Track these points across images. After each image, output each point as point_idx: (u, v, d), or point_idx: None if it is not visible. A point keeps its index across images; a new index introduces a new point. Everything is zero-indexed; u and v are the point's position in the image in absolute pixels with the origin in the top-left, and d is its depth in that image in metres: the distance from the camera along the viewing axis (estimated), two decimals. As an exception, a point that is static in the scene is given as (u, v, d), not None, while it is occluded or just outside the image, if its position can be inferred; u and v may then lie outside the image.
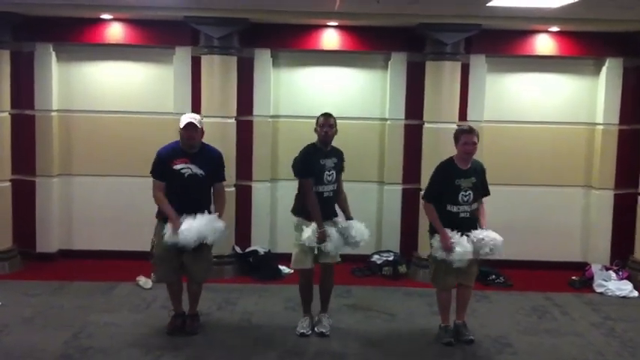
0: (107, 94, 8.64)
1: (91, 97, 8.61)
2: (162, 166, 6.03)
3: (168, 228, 5.91)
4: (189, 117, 6.05)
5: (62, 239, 8.71)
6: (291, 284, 7.66)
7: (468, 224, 6.04)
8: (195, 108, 8.34)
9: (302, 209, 6.23)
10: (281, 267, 8.23)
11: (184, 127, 5.95)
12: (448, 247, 5.91)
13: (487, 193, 6.27)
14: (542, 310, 7.23)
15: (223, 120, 8.09)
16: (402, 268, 8.37)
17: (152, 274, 7.31)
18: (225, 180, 6.32)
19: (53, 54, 8.41)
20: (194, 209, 5.97)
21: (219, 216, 6.12)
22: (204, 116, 8.05)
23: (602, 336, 6.51)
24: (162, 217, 6.06)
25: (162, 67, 8.57)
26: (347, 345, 6.11)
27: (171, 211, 5.92)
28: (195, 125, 5.96)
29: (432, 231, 6.17)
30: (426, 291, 7.45)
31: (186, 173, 5.98)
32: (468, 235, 5.98)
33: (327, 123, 6.21)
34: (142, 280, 7.59)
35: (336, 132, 6.29)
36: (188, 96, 8.43)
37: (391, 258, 8.48)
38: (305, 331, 6.25)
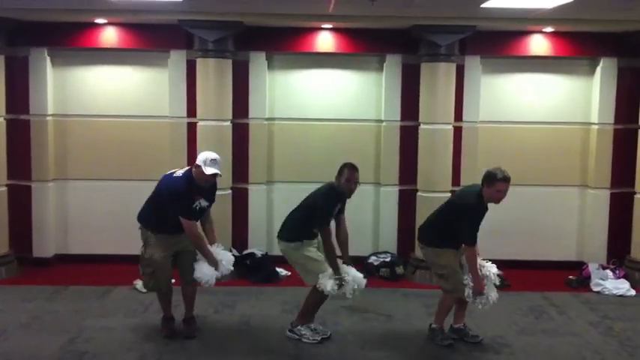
0: (102, 98, 8.63)
1: (86, 101, 8.60)
2: (190, 206, 5.95)
3: (202, 263, 6.01)
4: (215, 163, 5.88)
5: (58, 244, 8.70)
6: (288, 287, 7.68)
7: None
8: (191, 111, 8.34)
9: (301, 234, 6.19)
10: (278, 269, 8.22)
11: (211, 175, 5.85)
12: (481, 292, 5.97)
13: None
14: (540, 310, 7.23)
15: (219, 123, 8.09)
16: (400, 270, 8.37)
17: (141, 283, 7.33)
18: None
19: (48, 59, 8.40)
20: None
21: (213, 236, 6.29)
22: (200, 119, 8.08)
23: (599, 335, 6.51)
24: (148, 226, 6.10)
25: (157, 71, 8.57)
26: (344, 347, 6.10)
27: (210, 250, 6.05)
28: (219, 175, 5.93)
29: (436, 245, 6.13)
30: (423, 292, 7.46)
31: (197, 207, 6.00)
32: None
33: (354, 179, 6.09)
34: (140, 284, 7.56)
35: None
36: (183, 99, 8.44)
37: (388, 259, 8.48)
38: (325, 335, 6.26)
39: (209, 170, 5.81)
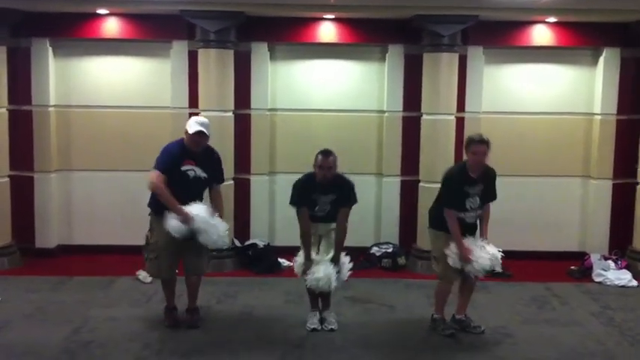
0: (104, 89, 8.63)
1: (88, 92, 8.60)
2: (172, 163, 5.96)
3: (171, 218, 5.86)
4: (199, 124, 5.96)
5: (61, 234, 8.71)
6: (290, 277, 7.65)
7: (472, 228, 6.11)
8: (193, 102, 8.34)
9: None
10: (280, 260, 8.24)
11: (194, 133, 5.90)
12: (468, 260, 5.93)
13: (494, 198, 6.22)
14: (542, 301, 7.25)
15: (221, 114, 8.08)
16: (402, 260, 8.39)
17: (144, 273, 7.35)
18: (224, 181, 6.34)
19: (50, 49, 8.39)
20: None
21: (221, 216, 6.15)
22: (202, 110, 8.08)
23: (601, 325, 6.53)
24: (157, 211, 6.05)
25: (159, 62, 8.57)
26: (347, 337, 6.12)
27: (175, 201, 5.86)
28: (205, 134, 5.95)
29: (435, 226, 6.18)
30: (425, 282, 7.47)
31: (191, 175, 5.99)
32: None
33: (325, 164, 5.99)
34: (142, 275, 7.59)
35: (335, 170, 6.09)
36: (185, 90, 8.43)
37: (390, 250, 8.49)
38: (316, 327, 6.23)
39: (193, 128, 5.89)
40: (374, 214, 8.82)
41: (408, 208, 8.59)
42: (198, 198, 6.11)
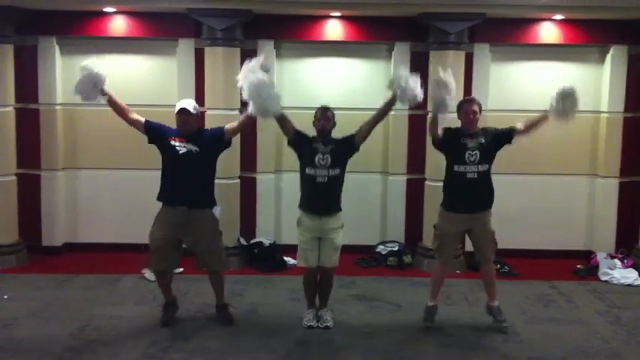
0: (111, 87, 8.55)
1: (95, 90, 8.61)
2: (159, 127, 6.15)
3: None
4: (183, 102, 6.08)
5: (68, 232, 8.74)
6: (296, 275, 7.66)
7: (475, 186, 6.08)
8: (199, 100, 8.32)
9: (301, 201, 6.25)
10: (286, 258, 8.24)
11: (177, 112, 6.00)
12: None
13: (515, 131, 6.27)
14: (548, 299, 7.23)
15: (227, 112, 8.08)
16: (407, 259, 8.38)
17: (150, 271, 7.37)
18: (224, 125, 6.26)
19: (57, 47, 8.42)
20: (190, 190, 6.00)
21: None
22: (209, 108, 8.09)
23: (607, 324, 6.51)
24: (163, 199, 6.11)
25: (165, 60, 8.58)
26: (352, 335, 6.13)
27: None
28: (188, 110, 5.97)
29: (442, 203, 6.31)
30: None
31: (181, 150, 5.99)
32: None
33: (323, 116, 6.15)
34: (148, 273, 7.61)
35: (334, 125, 6.21)
36: (192, 88, 8.44)
37: (396, 248, 8.49)
38: (312, 324, 6.27)
39: (176, 109, 5.98)
40: (380, 213, 8.81)
41: (414, 207, 8.59)
42: (201, 181, 6.09)
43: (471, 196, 6.09)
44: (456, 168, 6.10)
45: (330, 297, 6.45)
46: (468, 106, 6.15)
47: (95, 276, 7.72)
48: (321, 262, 6.16)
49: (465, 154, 6.05)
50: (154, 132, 6.15)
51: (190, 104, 6.09)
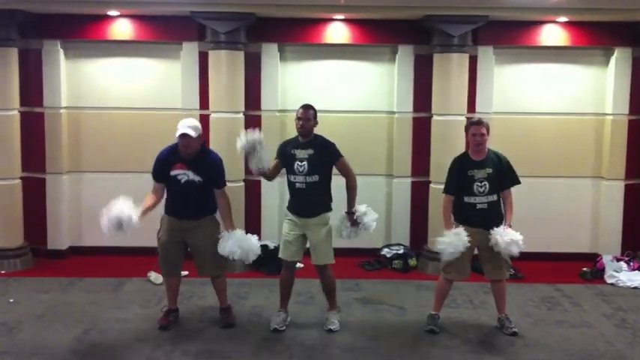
0: (115, 91, 8.66)
1: (99, 93, 8.63)
2: (159, 169, 6.11)
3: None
4: (184, 125, 5.95)
5: (73, 236, 8.75)
6: (301, 278, 7.65)
7: (486, 216, 6.04)
8: (203, 103, 8.36)
9: (288, 203, 6.32)
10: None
11: (179, 137, 5.94)
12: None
13: (512, 182, 6.18)
14: (553, 302, 7.21)
15: (231, 115, 8.10)
16: (412, 262, 8.37)
17: (155, 274, 7.41)
18: (224, 186, 6.25)
19: (61, 51, 8.43)
20: (193, 211, 6.07)
21: (229, 222, 6.17)
22: (213, 112, 8.10)
23: (613, 327, 6.49)
24: (165, 209, 6.18)
25: (169, 63, 8.59)
26: (357, 338, 6.11)
27: (143, 207, 6.04)
28: (189, 136, 5.92)
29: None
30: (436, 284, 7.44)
31: (183, 179, 6.00)
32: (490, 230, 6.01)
33: (304, 116, 6.14)
34: (153, 276, 7.62)
35: (315, 124, 6.22)
36: (196, 91, 8.45)
37: (401, 251, 8.47)
38: (278, 327, 6.22)
39: (178, 132, 5.92)
40: (384, 216, 8.79)
41: (419, 210, 8.57)
42: (205, 202, 6.13)
43: (480, 221, 6.07)
44: (465, 199, 6.06)
45: (336, 299, 6.44)
46: (476, 129, 6.03)
47: (100, 279, 7.72)
48: (314, 260, 6.22)
49: (474, 187, 6.01)
50: (161, 177, 6.14)
51: (193, 126, 5.99)
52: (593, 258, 8.41)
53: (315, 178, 6.09)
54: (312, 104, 8.58)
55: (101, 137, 8.68)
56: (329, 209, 6.25)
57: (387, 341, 6.07)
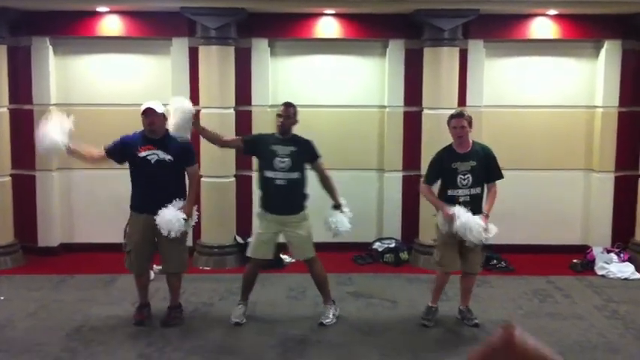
0: (105, 87, 8.63)
1: (89, 90, 8.60)
2: (122, 147, 6.09)
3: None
4: (149, 102, 6.01)
5: (63, 233, 8.72)
6: (293, 273, 7.70)
7: (469, 209, 6.03)
8: (194, 99, 8.30)
9: (261, 201, 6.29)
10: (283, 256, 8.23)
11: (143, 112, 5.94)
12: (449, 216, 5.90)
13: (496, 176, 6.19)
14: (544, 294, 7.24)
15: (222, 110, 8.09)
16: (404, 255, 8.38)
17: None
18: (195, 164, 6.22)
19: (50, 48, 8.39)
20: (163, 196, 5.97)
21: (190, 201, 6.06)
22: (203, 107, 8.08)
23: (604, 318, 6.52)
24: (131, 206, 6.13)
25: (159, 59, 8.56)
26: (349, 332, 6.13)
27: (82, 149, 6.11)
28: (154, 110, 5.93)
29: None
30: (428, 277, 7.46)
31: (153, 159, 5.97)
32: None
33: (284, 113, 6.17)
34: (145, 272, 7.60)
35: (294, 122, 6.24)
36: (186, 87, 8.41)
37: (393, 245, 8.49)
38: (238, 320, 6.24)
39: (142, 108, 5.94)
40: (376, 210, 8.81)
41: (410, 203, 8.58)
42: (175, 185, 6.05)
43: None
44: (449, 192, 6.07)
45: (330, 292, 6.43)
46: (456, 121, 6.05)
47: (91, 276, 7.71)
48: (296, 256, 6.31)
49: (457, 179, 6.02)
50: (119, 152, 6.12)
51: (156, 104, 6.01)
52: (583, 250, 8.45)
53: (296, 174, 6.12)
54: (304, 99, 8.64)
55: (91, 134, 8.57)
56: (306, 206, 6.27)
57: (380, 335, 6.08)
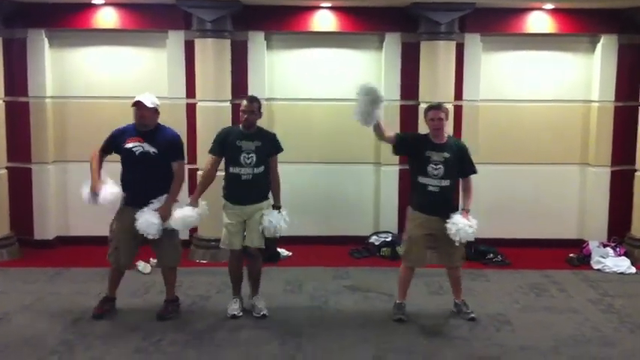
0: (101, 80, 8.60)
1: (84, 82, 8.57)
2: (112, 140, 6.10)
3: (85, 189, 6.00)
4: (141, 95, 6.00)
5: (59, 226, 8.71)
6: (290, 267, 7.71)
7: (436, 199, 6.05)
8: (190, 92, 8.33)
9: (225, 192, 6.25)
10: (280, 250, 8.23)
11: (133, 105, 5.94)
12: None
13: (470, 171, 6.20)
14: (540, 288, 7.25)
15: (218, 104, 8.07)
16: (400, 249, 8.36)
17: (143, 264, 7.40)
18: (181, 160, 6.18)
19: (46, 40, 8.36)
20: (148, 190, 5.98)
21: (168, 200, 6.02)
22: (200, 100, 8.06)
23: (600, 312, 6.54)
24: (124, 201, 6.10)
25: (155, 52, 8.53)
26: (346, 326, 6.13)
27: (96, 172, 6.02)
28: (143, 104, 5.91)
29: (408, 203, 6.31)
30: (424, 271, 7.43)
31: (138, 151, 5.96)
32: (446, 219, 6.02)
33: (248, 109, 6.10)
34: (141, 265, 7.60)
35: (259, 117, 6.20)
36: (182, 80, 8.41)
37: (389, 239, 8.49)
38: (236, 313, 6.25)
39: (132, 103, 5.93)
40: (373, 204, 8.81)
41: (406, 197, 8.53)
42: (160, 179, 6.02)
43: (434, 206, 6.08)
44: (419, 179, 6.09)
45: (260, 284, 6.43)
46: (434, 113, 6.07)
47: (87, 269, 7.69)
48: (247, 241, 6.18)
49: (428, 168, 6.02)
50: (111, 145, 6.14)
51: (148, 98, 6.00)
52: (580, 244, 8.47)
53: (262, 169, 6.12)
54: (300, 92, 8.64)
55: (87, 126, 8.61)
56: (269, 196, 6.27)
57: (376, 328, 6.08)
